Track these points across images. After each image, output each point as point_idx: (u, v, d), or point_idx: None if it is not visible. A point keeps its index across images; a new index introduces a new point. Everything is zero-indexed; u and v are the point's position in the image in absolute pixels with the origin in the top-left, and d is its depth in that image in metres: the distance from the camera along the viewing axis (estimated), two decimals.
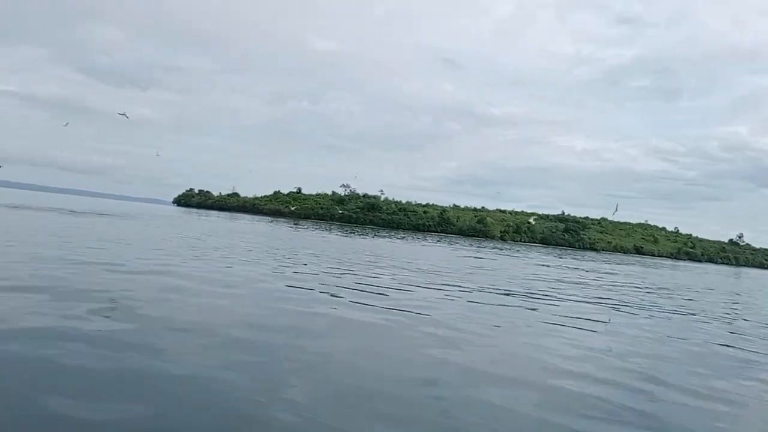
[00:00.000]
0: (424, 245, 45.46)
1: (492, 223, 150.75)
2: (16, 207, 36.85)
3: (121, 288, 8.72)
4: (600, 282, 23.28)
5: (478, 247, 57.56)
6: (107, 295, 7.99)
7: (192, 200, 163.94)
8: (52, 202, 65.44)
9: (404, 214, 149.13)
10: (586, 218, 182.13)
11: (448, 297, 12.26)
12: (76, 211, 42.07)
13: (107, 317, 6.63)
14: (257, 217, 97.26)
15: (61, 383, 4.39)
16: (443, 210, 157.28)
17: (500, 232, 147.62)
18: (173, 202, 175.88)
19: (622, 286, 22.24)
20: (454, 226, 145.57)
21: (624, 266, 48.02)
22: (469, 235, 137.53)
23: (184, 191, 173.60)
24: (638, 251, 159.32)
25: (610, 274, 31.95)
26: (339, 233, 52.52)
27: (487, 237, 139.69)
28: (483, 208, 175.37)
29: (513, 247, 75.89)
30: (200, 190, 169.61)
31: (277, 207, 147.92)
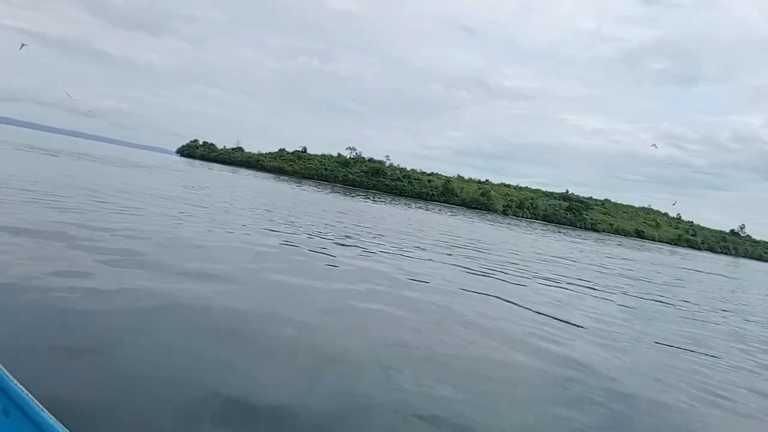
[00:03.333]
0: (464, 220, 44.65)
1: (495, 197, 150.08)
2: (51, 153, 35.24)
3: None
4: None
5: (508, 224, 56.88)
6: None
7: (196, 152, 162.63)
8: (63, 144, 64.58)
9: (408, 182, 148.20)
10: (590, 198, 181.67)
11: None
12: (98, 158, 41.19)
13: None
14: (267, 175, 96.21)
15: None
16: (448, 180, 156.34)
17: (503, 206, 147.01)
18: (177, 152, 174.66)
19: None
20: (457, 197, 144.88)
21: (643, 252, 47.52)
22: (471, 207, 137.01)
23: (188, 142, 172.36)
24: (639, 235, 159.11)
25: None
26: (373, 200, 51.72)
27: (490, 210, 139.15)
28: (487, 181, 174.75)
29: (528, 225, 75.27)
30: (204, 142, 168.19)
31: (280, 165, 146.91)
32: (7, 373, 1.29)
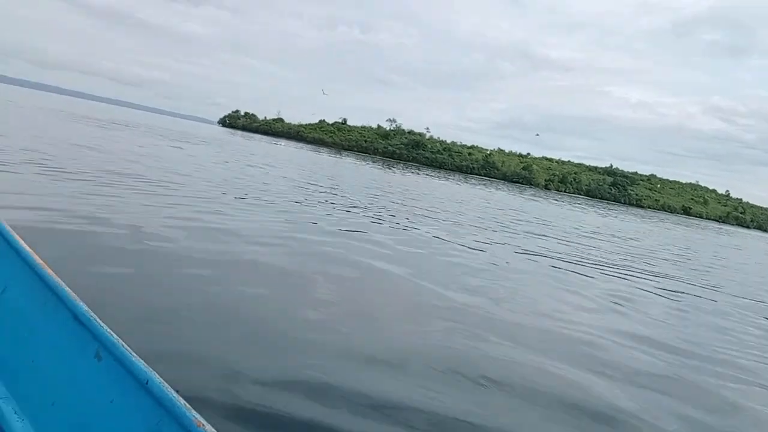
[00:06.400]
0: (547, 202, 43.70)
1: (537, 171, 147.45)
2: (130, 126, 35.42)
3: None
4: None
5: (570, 203, 55.51)
6: None
7: (237, 122, 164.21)
8: (118, 115, 65.42)
9: (448, 155, 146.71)
10: (635, 173, 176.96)
11: None
12: (170, 131, 41.28)
13: None
14: (307, 147, 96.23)
15: None
16: (488, 153, 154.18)
17: (545, 180, 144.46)
18: (218, 123, 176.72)
19: None
20: (498, 170, 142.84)
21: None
22: (513, 181, 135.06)
23: (230, 112, 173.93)
24: (686, 212, 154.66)
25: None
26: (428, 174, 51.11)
27: (531, 185, 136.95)
28: (529, 154, 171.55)
29: (573, 200, 73.48)
30: (246, 113, 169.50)
31: (320, 136, 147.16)
32: (97, 318, 1.33)
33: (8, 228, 1.68)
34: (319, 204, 13.64)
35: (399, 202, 18.94)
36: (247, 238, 7.66)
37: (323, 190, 18.02)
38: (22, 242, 1.58)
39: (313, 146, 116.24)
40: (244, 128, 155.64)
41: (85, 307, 1.37)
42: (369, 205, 15.44)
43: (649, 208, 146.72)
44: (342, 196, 16.77)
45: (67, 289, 1.42)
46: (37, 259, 1.51)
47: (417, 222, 13.65)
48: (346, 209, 13.46)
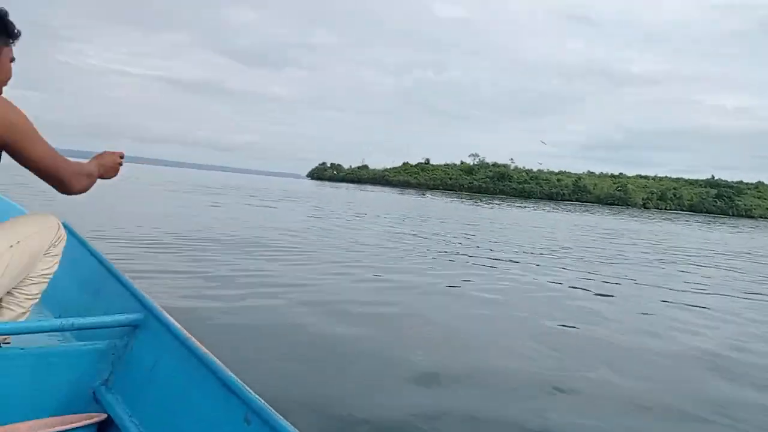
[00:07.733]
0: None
1: (633, 190, 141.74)
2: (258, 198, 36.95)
3: None
4: None
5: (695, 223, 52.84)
6: None
7: (324, 174, 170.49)
8: (226, 182, 69.31)
9: (536, 183, 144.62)
10: (740, 182, 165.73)
11: None
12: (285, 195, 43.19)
13: None
14: (393, 190, 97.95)
15: None
16: (578, 177, 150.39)
17: (643, 199, 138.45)
18: (307, 176, 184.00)
19: None
20: (590, 194, 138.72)
21: None
22: (607, 203, 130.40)
23: (317, 165, 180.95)
24: None
25: None
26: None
27: (628, 205, 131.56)
28: (621, 174, 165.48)
29: (676, 217, 69.44)
30: (332, 164, 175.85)
31: (406, 178, 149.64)
32: (245, 386, 1.37)
33: (159, 308, 1.77)
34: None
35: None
36: None
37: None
38: (169, 318, 1.69)
39: (399, 189, 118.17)
40: (331, 179, 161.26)
41: (234, 377, 1.43)
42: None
43: (760, 217, 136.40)
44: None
45: (215, 359, 1.50)
46: (185, 333, 1.61)
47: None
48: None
